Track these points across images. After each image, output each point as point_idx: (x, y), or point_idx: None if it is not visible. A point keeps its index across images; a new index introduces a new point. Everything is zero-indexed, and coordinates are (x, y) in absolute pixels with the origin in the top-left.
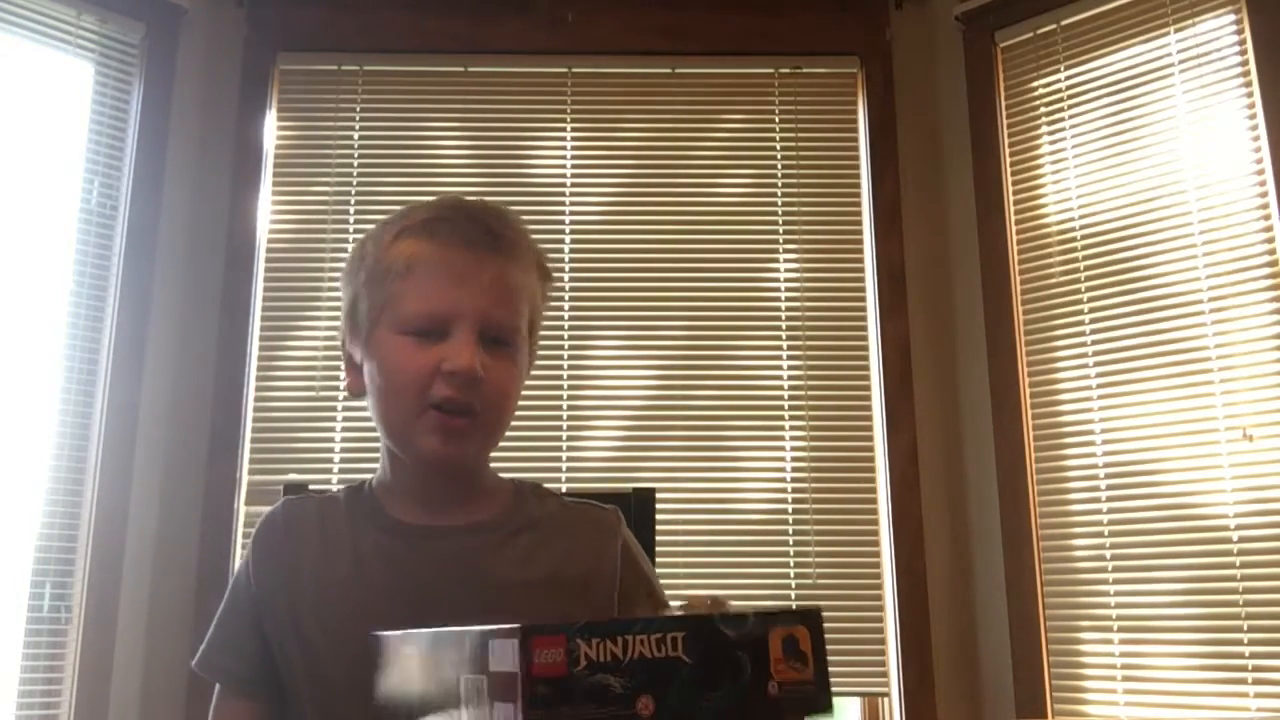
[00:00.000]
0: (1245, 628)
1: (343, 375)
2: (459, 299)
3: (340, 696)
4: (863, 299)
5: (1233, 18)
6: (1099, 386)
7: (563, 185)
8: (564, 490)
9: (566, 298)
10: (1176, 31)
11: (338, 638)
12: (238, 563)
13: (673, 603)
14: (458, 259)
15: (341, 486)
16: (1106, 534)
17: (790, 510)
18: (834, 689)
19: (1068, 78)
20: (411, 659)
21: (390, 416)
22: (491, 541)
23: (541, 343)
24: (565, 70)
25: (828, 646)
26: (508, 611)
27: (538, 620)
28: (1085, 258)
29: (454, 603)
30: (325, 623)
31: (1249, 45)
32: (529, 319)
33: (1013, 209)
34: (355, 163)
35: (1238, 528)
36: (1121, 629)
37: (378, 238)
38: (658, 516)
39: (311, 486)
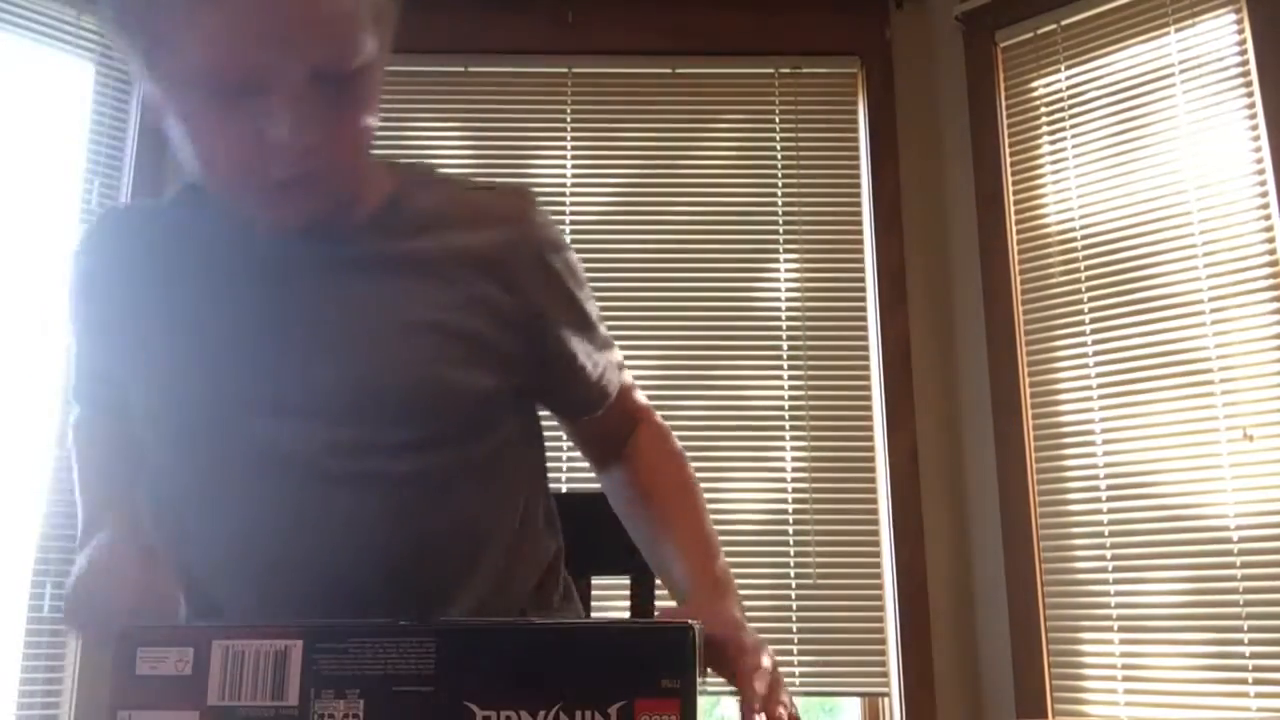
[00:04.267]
0: (1245, 628)
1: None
2: (265, 45)
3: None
4: (863, 299)
5: (1233, 18)
6: (1099, 387)
7: (563, 185)
8: (564, 489)
9: None
10: (1177, 31)
11: (189, 374)
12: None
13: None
14: None
15: (174, 190)
16: (1107, 534)
17: (790, 510)
18: (834, 689)
19: (1068, 78)
20: None
21: (215, 188)
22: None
23: None
24: (565, 70)
25: (828, 647)
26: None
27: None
28: (1085, 258)
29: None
30: (176, 359)
31: (1249, 45)
32: (378, 38)
33: (1013, 209)
34: None
35: (1238, 528)
36: (1121, 629)
37: None
38: None
39: None
